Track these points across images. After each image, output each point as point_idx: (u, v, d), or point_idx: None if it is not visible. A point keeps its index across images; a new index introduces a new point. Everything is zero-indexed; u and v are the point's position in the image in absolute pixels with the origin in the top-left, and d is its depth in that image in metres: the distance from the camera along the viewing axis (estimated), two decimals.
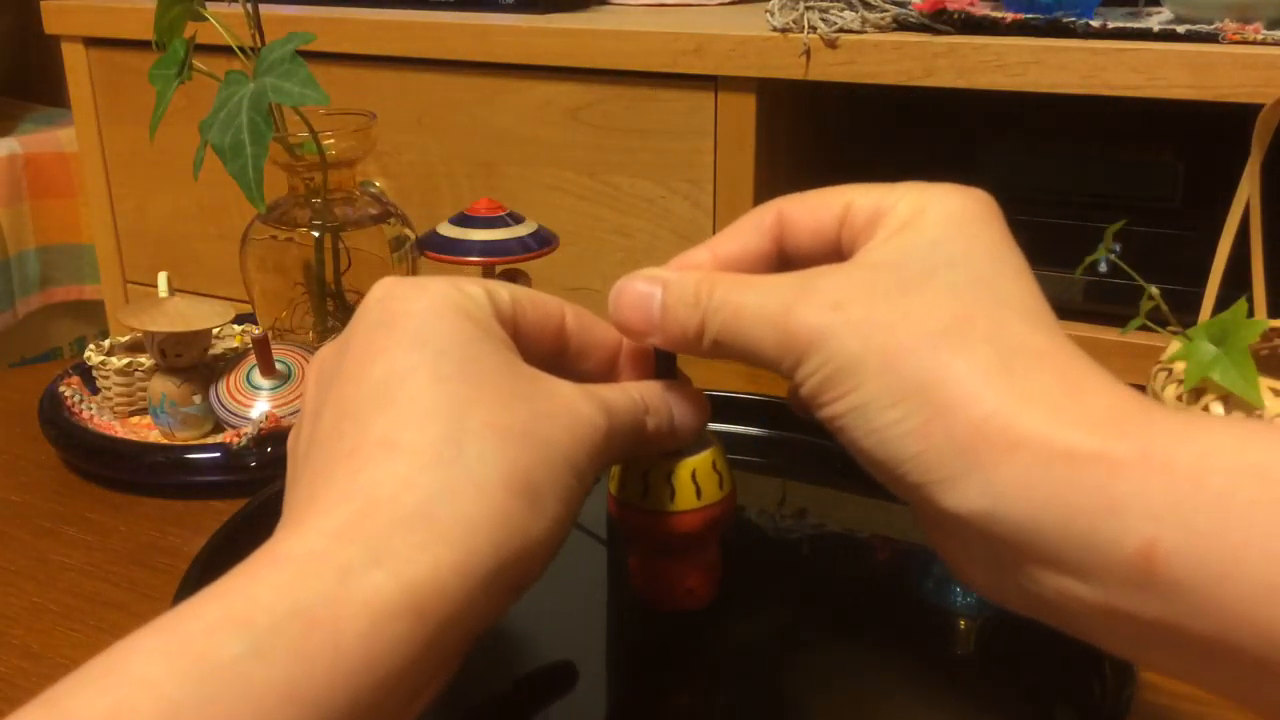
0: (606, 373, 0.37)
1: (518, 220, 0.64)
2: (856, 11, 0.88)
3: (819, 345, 0.29)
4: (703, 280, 0.33)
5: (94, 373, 0.65)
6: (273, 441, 0.59)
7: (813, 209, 0.33)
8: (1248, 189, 0.52)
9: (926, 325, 0.28)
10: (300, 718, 0.22)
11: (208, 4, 0.62)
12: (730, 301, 0.32)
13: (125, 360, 0.63)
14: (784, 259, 0.34)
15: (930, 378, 0.28)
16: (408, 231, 0.67)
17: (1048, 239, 0.86)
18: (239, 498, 0.53)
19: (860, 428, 0.29)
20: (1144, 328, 0.50)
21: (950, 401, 0.27)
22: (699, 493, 0.38)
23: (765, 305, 0.31)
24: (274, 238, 0.66)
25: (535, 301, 0.34)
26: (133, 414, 0.65)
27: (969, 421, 0.27)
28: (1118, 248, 0.82)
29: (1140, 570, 0.25)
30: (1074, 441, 0.26)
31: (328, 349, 0.32)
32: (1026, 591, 0.28)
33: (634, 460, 0.38)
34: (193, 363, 0.61)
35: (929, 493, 0.28)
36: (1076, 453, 0.26)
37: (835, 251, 0.33)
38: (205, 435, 0.62)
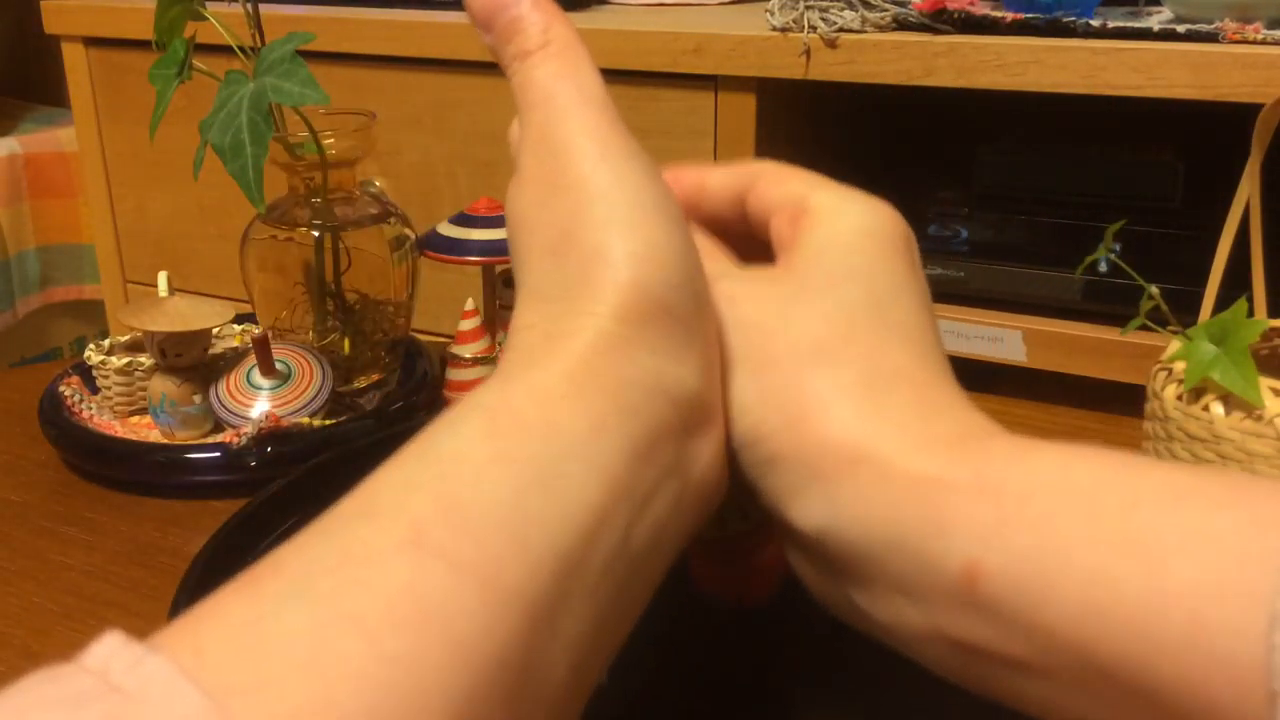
0: None
1: None
2: (856, 11, 0.88)
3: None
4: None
5: (94, 372, 0.65)
6: (272, 441, 0.59)
7: (728, 173, 0.36)
8: (1248, 189, 0.52)
9: (804, 338, 0.29)
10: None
11: (208, 4, 0.62)
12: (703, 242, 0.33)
13: (125, 360, 0.63)
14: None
15: (792, 387, 0.29)
16: (408, 231, 0.67)
17: (1048, 239, 0.86)
18: (239, 498, 0.53)
19: (730, 423, 0.30)
20: (1144, 328, 0.50)
21: (805, 413, 0.28)
22: None
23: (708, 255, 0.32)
24: (274, 237, 0.66)
25: None
26: (133, 414, 0.65)
27: (819, 435, 0.28)
28: (1118, 248, 0.82)
29: (964, 591, 0.25)
30: (913, 464, 0.27)
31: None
32: (863, 611, 0.28)
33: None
34: (193, 363, 0.61)
35: (776, 501, 0.29)
36: (913, 474, 0.26)
37: (740, 202, 0.35)
38: (205, 435, 0.62)
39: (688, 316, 0.29)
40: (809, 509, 0.28)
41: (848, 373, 0.29)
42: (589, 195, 0.29)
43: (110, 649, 0.20)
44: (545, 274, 0.30)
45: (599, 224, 0.29)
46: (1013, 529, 0.25)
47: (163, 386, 0.61)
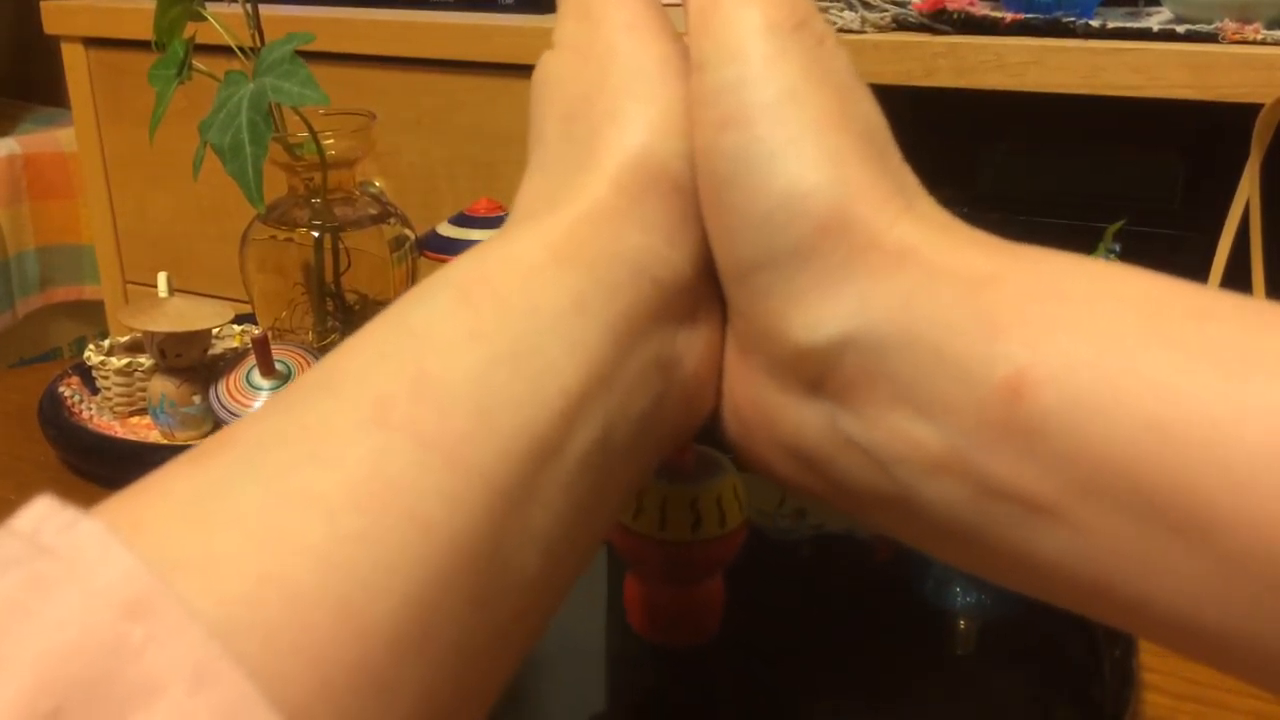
0: None
1: None
2: (856, 11, 0.88)
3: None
4: None
5: (94, 373, 0.65)
6: None
7: None
8: (1247, 189, 0.52)
9: (849, 116, 0.26)
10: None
11: (207, 4, 0.62)
12: None
13: (125, 360, 0.63)
14: None
15: (847, 155, 0.25)
16: (407, 232, 0.67)
17: (1048, 239, 0.86)
18: None
19: (742, 179, 0.26)
20: None
21: (857, 195, 0.25)
22: (723, 520, 0.37)
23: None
24: (274, 238, 0.66)
25: None
26: (132, 414, 0.65)
27: (870, 226, 0.25)
28: (1117, 248, 0.82)
29: (1002, 408, 0.22)
30: (965, 261, 0.24)
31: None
32: (858, 443, 0.25)
33: (653, 488, 0.37)
34: (192, 363, 0.61)
35: (782, 315, 0.26)
36: (966, 272, 0.24)
37: None
38: (205, 435, 0.62)
39: (693, 195, 0.27)
40: (834, 312, 0.25)
41: (885, 164, 0.26)
42: (613, 61, 0.28)
43: (42, 512, 0.19)
44: (556, 142, 0.29)
45: (618, 87, 0.28)
46: (1071, 332, 0.22)
47: (162, 387, 0.61)
